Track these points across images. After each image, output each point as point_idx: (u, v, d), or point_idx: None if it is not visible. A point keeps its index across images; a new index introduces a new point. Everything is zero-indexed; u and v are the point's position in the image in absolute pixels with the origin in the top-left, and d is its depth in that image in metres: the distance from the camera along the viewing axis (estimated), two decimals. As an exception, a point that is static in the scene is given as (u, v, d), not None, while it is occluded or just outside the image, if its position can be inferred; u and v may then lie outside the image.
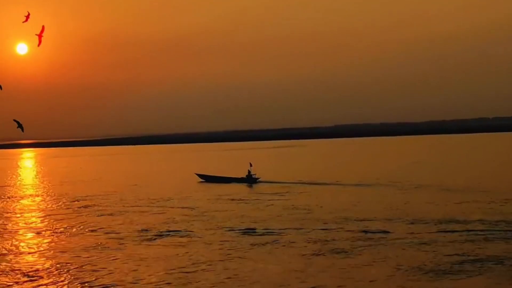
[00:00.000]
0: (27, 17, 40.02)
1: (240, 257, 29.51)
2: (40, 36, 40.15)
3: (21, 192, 70.92)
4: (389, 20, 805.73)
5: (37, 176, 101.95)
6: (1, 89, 41.66)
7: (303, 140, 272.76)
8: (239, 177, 72.93)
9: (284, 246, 31.98)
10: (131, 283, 25.35)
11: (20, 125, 39.95)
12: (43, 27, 39.96)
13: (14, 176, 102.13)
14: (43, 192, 69.94)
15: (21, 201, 59.84)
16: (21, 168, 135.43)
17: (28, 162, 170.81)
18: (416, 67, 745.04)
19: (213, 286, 24.59)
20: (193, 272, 26.91)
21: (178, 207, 49.96)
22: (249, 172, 71.93)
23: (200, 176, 77.56)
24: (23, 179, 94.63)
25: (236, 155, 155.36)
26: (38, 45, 39.82)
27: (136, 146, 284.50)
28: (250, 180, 71.19)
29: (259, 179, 71.12)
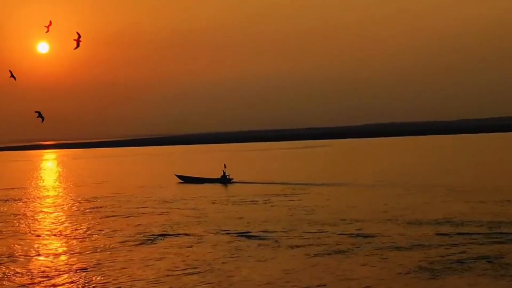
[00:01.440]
0: (48, 26, 41.08)
1: (236, 259, 30.37)
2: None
3: (36, 194, 71.99)
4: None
5: (56, 178, 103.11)
6: (15, 79, 42.94)
7: (330, 140, 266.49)
8: (215, 177, 75.52)
9: (275, 248, 32.78)
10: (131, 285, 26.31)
11: (40, 115, 40.84)
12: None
13: (33, 178, 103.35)
14: (59, 194, 71.07)
15: (35, 203, 60.92)
16: (41, 169, 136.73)
17: (49, 163, 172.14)
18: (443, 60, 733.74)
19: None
20: (186, 274, 27.81)
21: (181, 209, 50.88)
22: (223, 173, 74.38)
23: (179, 177, 79.70)
24: (41, 181, 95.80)
25: (263, 156, 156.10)
26: (76, 47, 41.29)
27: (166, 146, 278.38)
28: (224, 180, 73.82)
29: (233, 180, 73.65)
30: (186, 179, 78.35)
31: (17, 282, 27.36)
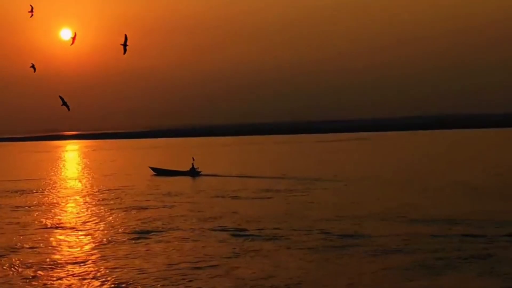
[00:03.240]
0: (74, 38, 41.64)
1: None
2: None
3: (51, 185, 72.89)
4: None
5: (74, 170, 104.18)
6: (35, 71, 43.46)
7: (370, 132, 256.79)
8: (185, 170, 79.64)
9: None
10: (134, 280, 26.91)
11: (65, 103, 41.19)
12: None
13: (50, 170, 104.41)
14: (72, 186, 72.05)
15: (47, 195, 61.75)
16: (60, 161, 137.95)
17: (70, 155, 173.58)
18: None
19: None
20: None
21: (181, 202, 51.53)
22: (192, 165, 78.73)
23: (153, 169, 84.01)
24: (58, 173, 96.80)
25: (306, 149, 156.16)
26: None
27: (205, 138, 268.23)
28: (193, 173, 78.23)
29: (201, 173, 77.87)
30: (159, 172, 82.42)
31: (17, 273, 28.13)
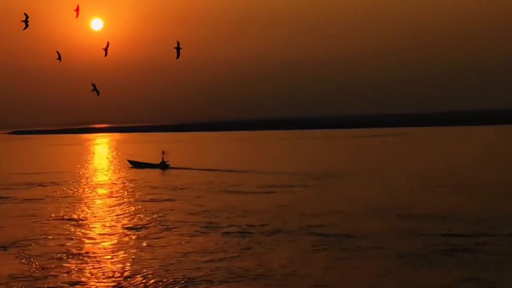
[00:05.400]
0: (106, 48, 42.39)
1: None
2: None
3: (75, 178, 74.23)
4: None
5: (100, 162, 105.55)
6: (60, 60, 43.91)
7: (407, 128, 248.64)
8: (155, 163, 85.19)
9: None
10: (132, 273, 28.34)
11: (95, 88, 41.98)
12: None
13: (76, 163, 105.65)
14: (96, 179, 73.55)
15: (66, 188, 63.22)
16: (88, 154, 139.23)
17: (99, 148, 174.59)
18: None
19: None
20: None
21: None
22: (162, 159, 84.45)
23: (130, 162, 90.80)
24: (83, 166, 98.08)
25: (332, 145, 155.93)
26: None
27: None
28: (163, 166, 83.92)
29: (170, 166, 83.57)
30: (134, 164, 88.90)
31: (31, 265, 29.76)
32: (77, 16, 41.41)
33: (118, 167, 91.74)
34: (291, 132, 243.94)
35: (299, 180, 64.37)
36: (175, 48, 40.71)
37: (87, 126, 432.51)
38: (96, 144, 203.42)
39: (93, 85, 42.31)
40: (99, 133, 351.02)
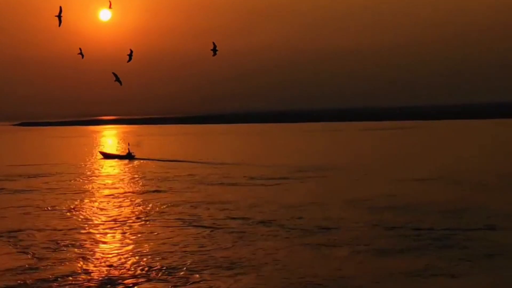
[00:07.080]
0: (130, 54, 41.95)
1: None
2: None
3: (67, 171, 73.89)
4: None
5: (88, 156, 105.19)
6: (83, 57, 43.79)
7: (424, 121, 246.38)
8: (123, 154, 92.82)
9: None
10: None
11: (118, 79, 41.63)
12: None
13: (69, 155, 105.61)
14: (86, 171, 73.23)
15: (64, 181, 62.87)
16: (93, 146, 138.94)
17: (106, 139, 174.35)
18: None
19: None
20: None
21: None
22: (128, 150, 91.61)
23: (101, 153, 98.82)
24: (70, 158, 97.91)
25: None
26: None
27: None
28: (129, 157, 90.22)
29: (135, 156, 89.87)
30: (105, 155, 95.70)
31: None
32: (110, 6, 42.34)
33: (90, 158, 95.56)
34: (308, 125, 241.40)
35: (289, 173, 65.07)
36: (211, 50, 42.27)
37: (95, 117, 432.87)
38: (103, 136, 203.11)
39: (114, 74, 42.09)
40: (107, 125, 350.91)
